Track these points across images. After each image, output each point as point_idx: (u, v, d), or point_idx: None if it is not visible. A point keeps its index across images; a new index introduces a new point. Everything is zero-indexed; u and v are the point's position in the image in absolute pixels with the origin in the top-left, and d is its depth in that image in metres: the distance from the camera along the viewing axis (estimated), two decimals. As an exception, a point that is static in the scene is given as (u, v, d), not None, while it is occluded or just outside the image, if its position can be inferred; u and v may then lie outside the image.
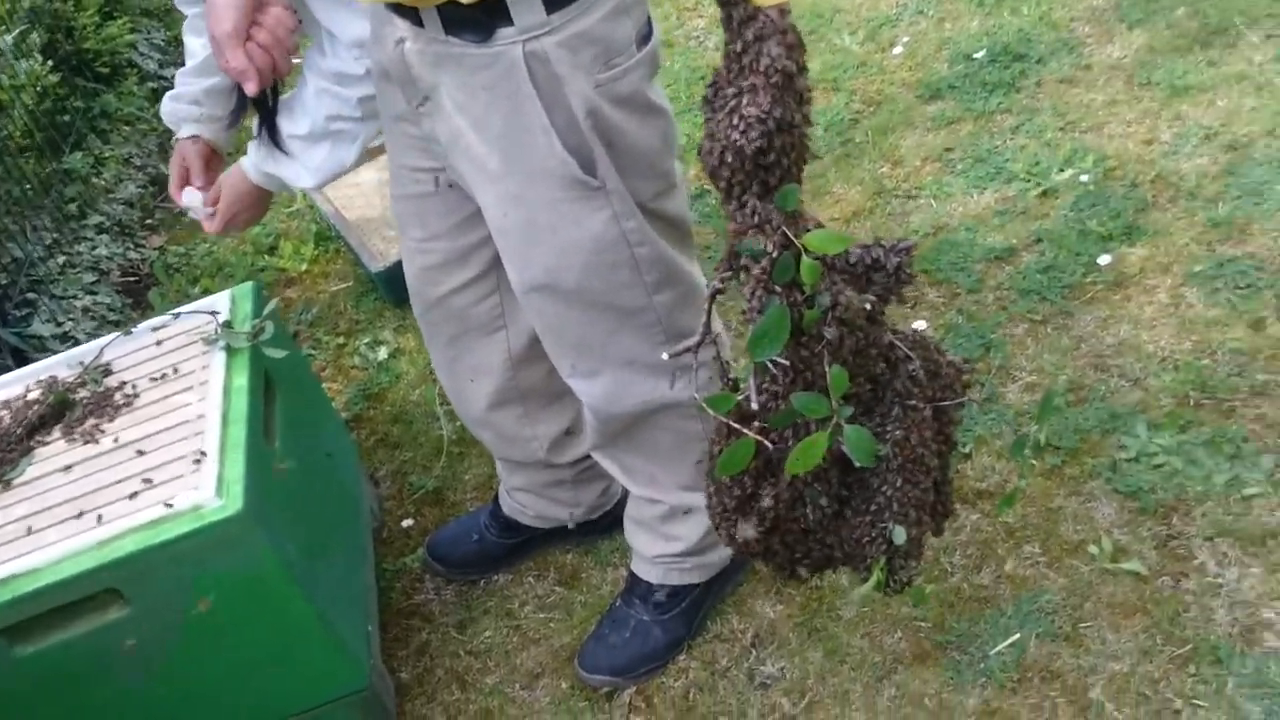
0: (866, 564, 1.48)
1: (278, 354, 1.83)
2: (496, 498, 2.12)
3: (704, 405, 1.29)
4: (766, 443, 1.34)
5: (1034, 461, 2.03)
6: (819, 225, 1.33)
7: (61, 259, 3.09)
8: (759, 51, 1.23)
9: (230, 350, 1.84)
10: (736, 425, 1.34)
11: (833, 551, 1.51)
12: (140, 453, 1.70)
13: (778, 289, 1.28)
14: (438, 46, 1.45)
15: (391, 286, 2.78)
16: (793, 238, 1.27)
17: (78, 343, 2.79)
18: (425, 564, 2.15)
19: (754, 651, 1.90)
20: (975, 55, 3.02)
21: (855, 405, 1.40)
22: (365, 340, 2.74)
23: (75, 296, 2.97)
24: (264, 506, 1.63)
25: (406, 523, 2.27)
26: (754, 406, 1.34)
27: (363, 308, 2.86)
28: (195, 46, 1.92)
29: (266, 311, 1.89)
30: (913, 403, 1.41)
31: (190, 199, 2.01)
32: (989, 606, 1.86)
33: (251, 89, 1.63)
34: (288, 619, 1.68)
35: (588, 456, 1.92)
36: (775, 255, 1.27)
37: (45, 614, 1.58)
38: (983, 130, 2.80)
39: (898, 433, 1.40)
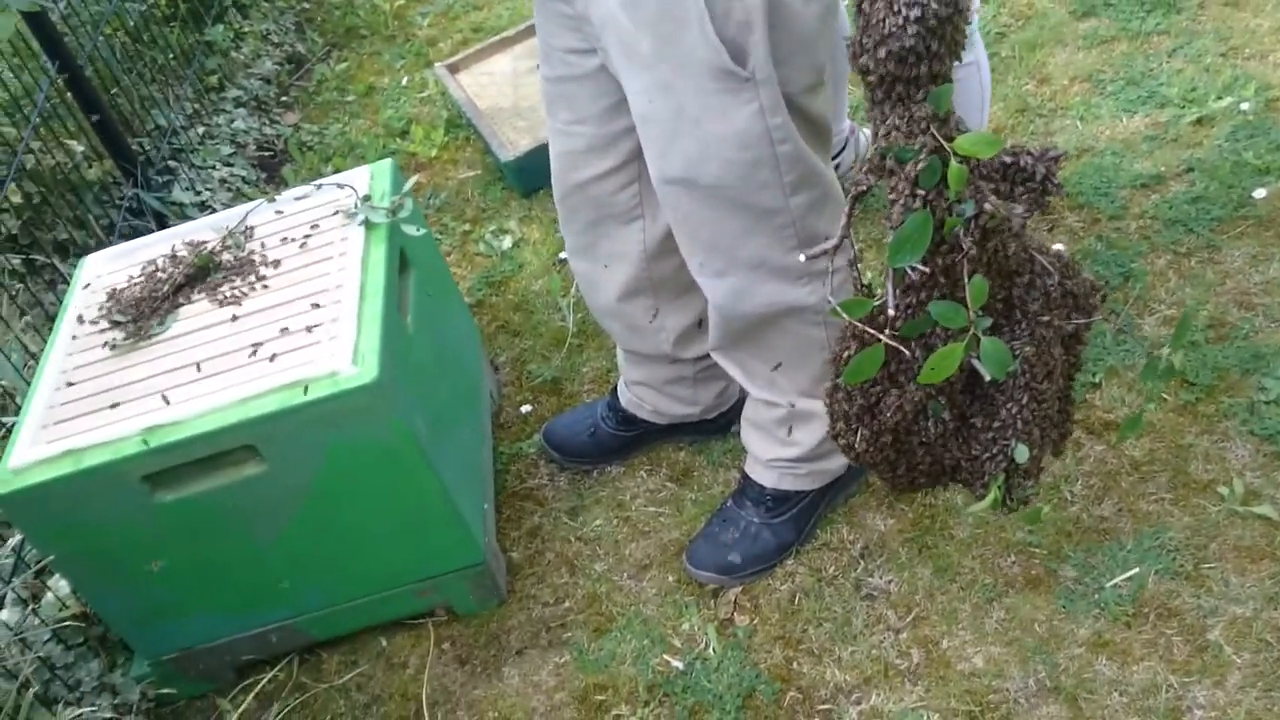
0: (984, 480, 1.47)
1: (415, 231, 1.86)
2: (615, 390, 2.14)
3: (838, 309, 1.27)
4: (904, 348, 1.33)
5: (1165, 395, 1.98)
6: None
7: (201, 130, 3.16)
8: None
9: (369, 225, 1.86)
10: (871, 331, 1.33)
11: (952, 466, 1.50)
12: (280, 317, 1.75)
13: (921, 193, 1.25)
14: None
15: (520, 176, 2.78)
16: (942, 141, 1.23)
17: (215, 211, 2.87)
18: (541, 450, 2.18)
19: (862, 563, 1.90)
20: (1137, -28, 2.88)
21: (992, 307, 1.37)
22: (491, 228, 2.77)
23: (213, 167, 3.04)
24: (396, 378, 1.67)
25: (525, 408, 2.30)
26: (890, 313, 1.32)
27: (490, 196, 2.87)
28: None
29: (405, 189, 1.91)
30: (1046, 318, 1.38)
31: None
32: (1108, 538, 1.82)
33: None
34: (412, 489, 1.73)
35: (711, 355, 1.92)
36: (924, 159, 1.24)
37: (186, 465, 1.64)
38: (1137, 51, 2.68)
39: (1028, 349, 1.37)
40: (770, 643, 1.83)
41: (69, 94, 2.68)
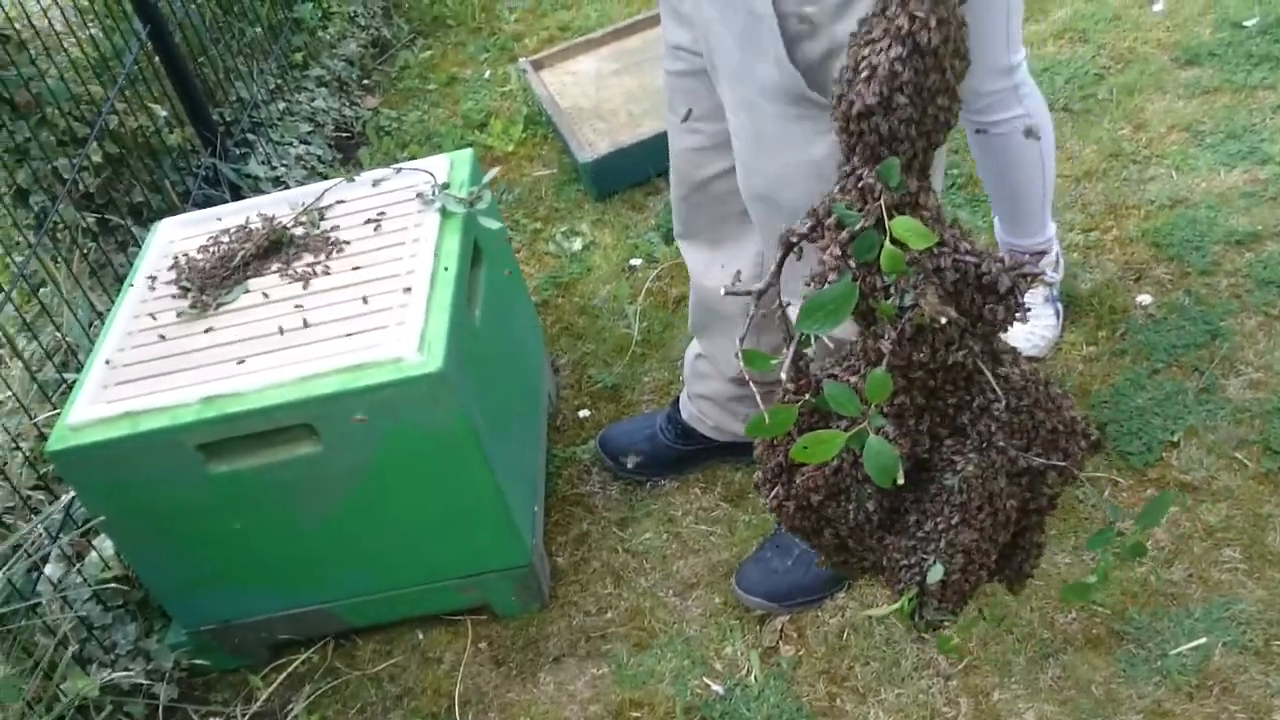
0: (898, 588, 1.37)
1: (492, 224, 1.83)
2: (676, 402, 2.10)
3: (741, 357, 1.18)
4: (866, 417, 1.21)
5: (1246, 461, 1.90)
6: (943, 222, 1.21)
7: (281, 105, 3.16)
8: (897, 3, 1.12)
9: (445, 213, 1.84)
10: (789, 389, 1.24)
11: (867, 558, 1.41)
12: (349, 298, 1.73)
13: (853, 265, 1.18)
14: None
15: (596, 179, 2.76)
16: (886, 219, 1.16)
17: (288, 188, 2.87)
18: (596, 456, 2.15)
19: (919, 612, 1.84)
20: (1245, 23, 2.80)
21: (931, 419, 1.27)
22: (562, 229, 2.74)
23: (290, 144, 3.04)
24: (460, 370, 1.64)
25: (583, 413, 2.26)
26: (781, 376, 1.24)
27: (563, 196, 2.85)
28: None
29: (485, 181, 1.89)
30: (1000, 444, 1.29)
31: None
32: (1175, 604, 1.76)
33: None
34: (466, 483, 1.70)
35: (781, 379, 1.88)
36: (859, 229, 1.17)
37: (241, 437, 1.63)
38: (1241, 105, 2.60)
39: (969, 468, 1.27)
40: (814, 676, 1.78)
41: (156, 58, 2.69)
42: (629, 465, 2.08)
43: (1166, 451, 1.95)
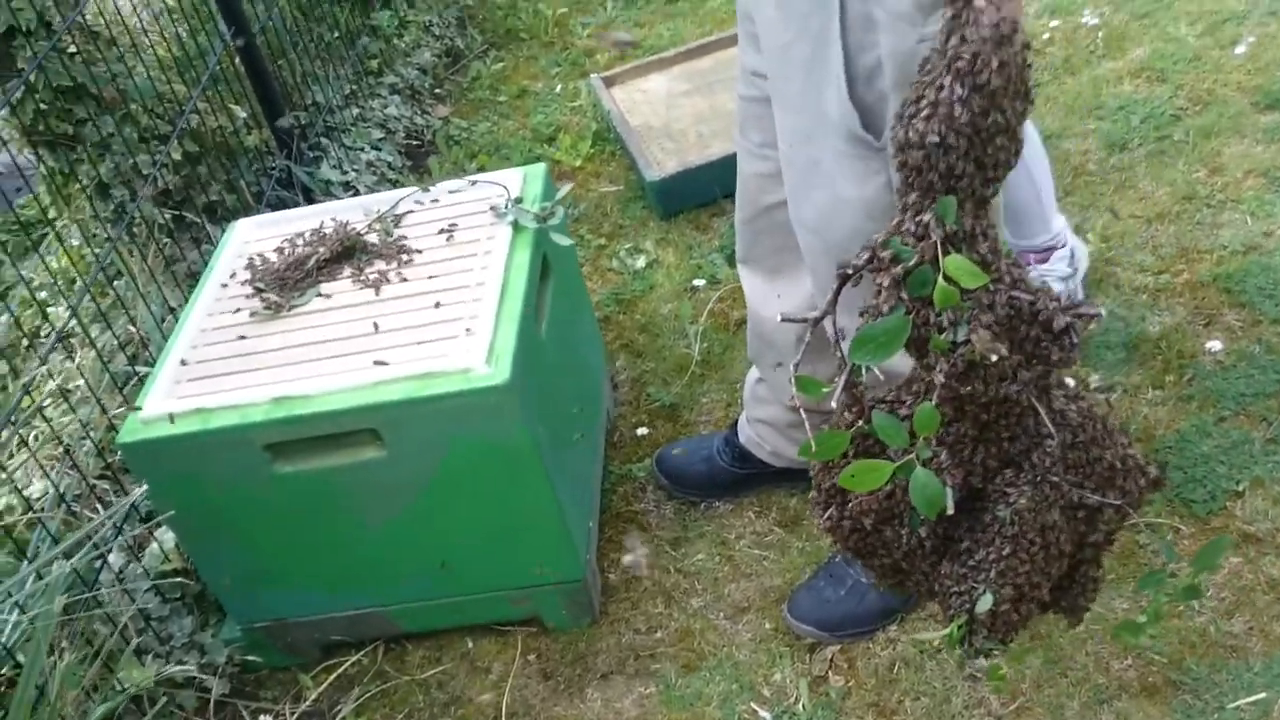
0: (950, 614, 1.36)
1: (564, 241, 1.85)
2: (735, 425, 2.10)
3: (794, 383, 1.20)
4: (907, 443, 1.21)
5: (1314, 516, 1.87)
6: (997, 261, 1.20)
7: (355, 111, 3.21)
8: (960, 36, 1.13)
9: (517, 226, 1.86)
10: (849, 414, 1.26)
11: (920, 582, 1.40)
12: (420, 306, 1.75)
13: (905, 299, 1.18)
14: None
15: (662, 197, 2.77)
16: (941, 256, 1.16)
17: (358, 192, 2.91)
18: (652, 475, 2.15)
19: (969, 640, 1.82)
20: (1328, 71, 2.76)
21: (985, 450, 1.27)
22: (626, 246, 2.75)
23: (361, 149, 3.09)
24: (527, 382, 1.66)
25: (640, 431, 2.27)
26: (832, 404, 1.24)
27: (629, 214, 2.86)
28: None
29: (559, 196, 1.91)
30: (1055, 479, 1.28)
31: None
32: (1235, 656, 1.73)
33: None
34: (526, 496, 1.71)
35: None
36: (914, 264, 1.17)
37: (308, 440, 1.65)
38: (1321, 153, 2.56)
39: (1022, 501, 1.26)
40: (863, 708, 1.76)
41: (237, 60, 2.74)
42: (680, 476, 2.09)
43: (1230, 501, 1.92)
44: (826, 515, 1.33)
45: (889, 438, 1.18)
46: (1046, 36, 3.09)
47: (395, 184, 3.08)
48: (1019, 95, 1.16)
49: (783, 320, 1.33)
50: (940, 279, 1.14)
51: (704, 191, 2.77)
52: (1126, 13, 3.10)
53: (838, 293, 1.22)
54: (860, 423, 1.27)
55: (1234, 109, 2.72)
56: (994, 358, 1.17)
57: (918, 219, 1.18)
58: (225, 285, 1.88)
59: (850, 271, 1.21)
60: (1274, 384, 2.09)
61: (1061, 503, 1.30)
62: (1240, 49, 2.89)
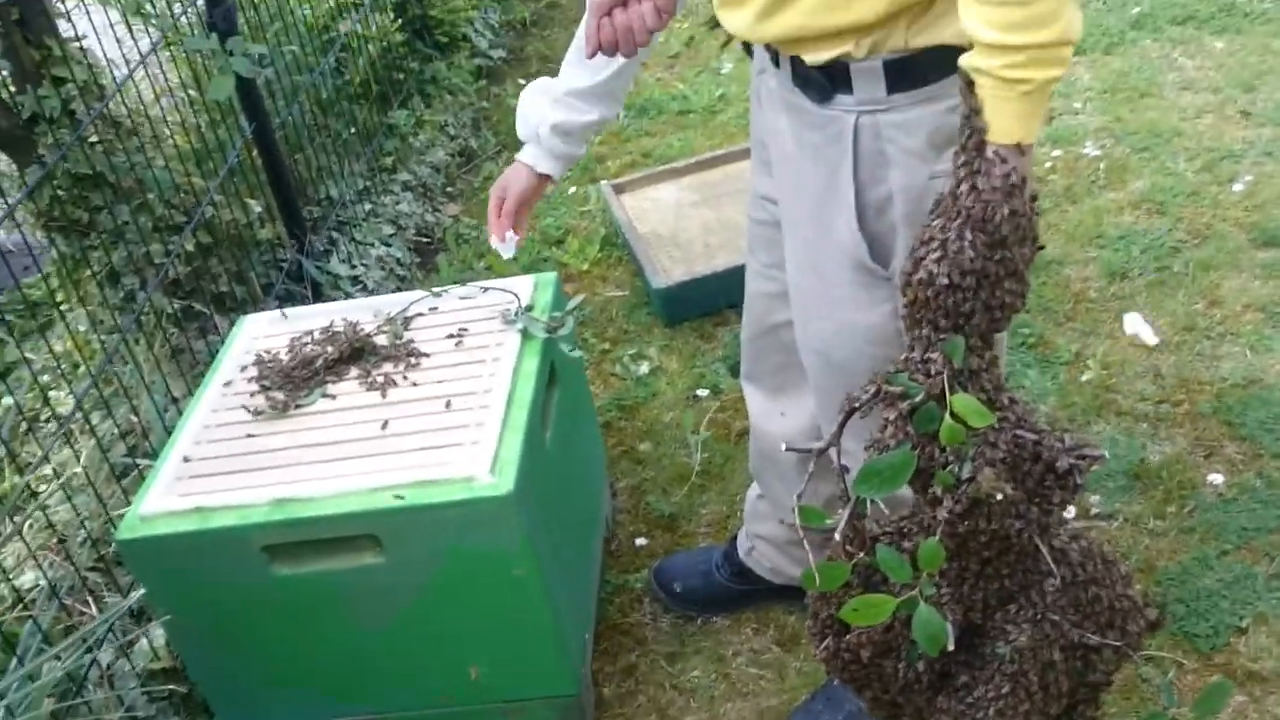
0: None
1: (572, 352, 1.86)
2: (734, 540, 2.09)
3: (798, 513, 1.21)
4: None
5: (1316, 658, 1.86)
6: (1001, 398, 1.22)
7: (368, 206, 3.24)
8: (971, 185, 1.16)
9: (526, 334, 1.87)
10: (851, 545, 1.26)
11: (916, 716, 1.38)
12: (426, 411, 1.75)
13: (911, 434, 1.20)
14: (785, 92, 1.46)
15: (668, 305, 2.79)
16: (948, 394, 1.18)
17: (367, 287, 2.93)
18: (648, 587, 2.14)
19: (966, 772, 1.79)
20: (1326, 209, 2.81)
21: (985, 586, 1.28)
22: (630, 351, 2.76)
23: (372, 244, 3.12)
24: (530, 493, 1.65)
25: (639, 541, 2.26)
26: (837, 537, 1.25)
27: (634, 319, 2.88)
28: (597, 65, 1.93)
29: (569, 308, 1.92)
30: (1055, 617, 1.29)
31: (510, 248, 1.85)
32: (1237, 801, 1.70)
33: (587, 53, 1.57)
34: (522, 608, 1.70)
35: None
36: (920, 401, 1.18)
37: (308, 542, 1.64)
38: (1319, 290, 2.60)
39: (1022, 639, 1.27)
40: (858, 840, 1.73)
41: (255, 152, 2.78)
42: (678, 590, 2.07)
43: (1234, 637, 1.91)
44: (824, 645, 1.32)
45: (893, 573, 1.18)
46: (1049, 165, 3.15)
47: (404, 280, 3.11)
48: (1027, 242, 1.18)
49: (787, 450, 1.34)
50: (947, 416, 1.15)
51: (709, 301, 2.80)
52: (1127, 145, 3.17)
53: (843, 425, 1.23)
54: (862, 555, 1.27)
55: (1232, 244, 2.76)
56: (999, 496, 1.17)
57: (925, 356, 1.20)
58: (230, 383, 1.88)
59: (856, 406, 1.22)
60: (1276, 519, 2.08)
61: (1061, 641, 1.29)
62: (1238, 186, 2.94)
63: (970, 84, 1.17)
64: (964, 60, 1.17)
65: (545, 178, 1.83)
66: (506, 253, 1.83)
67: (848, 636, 1.33)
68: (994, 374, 1.23)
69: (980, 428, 1.17)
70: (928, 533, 1.23)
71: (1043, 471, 1.23)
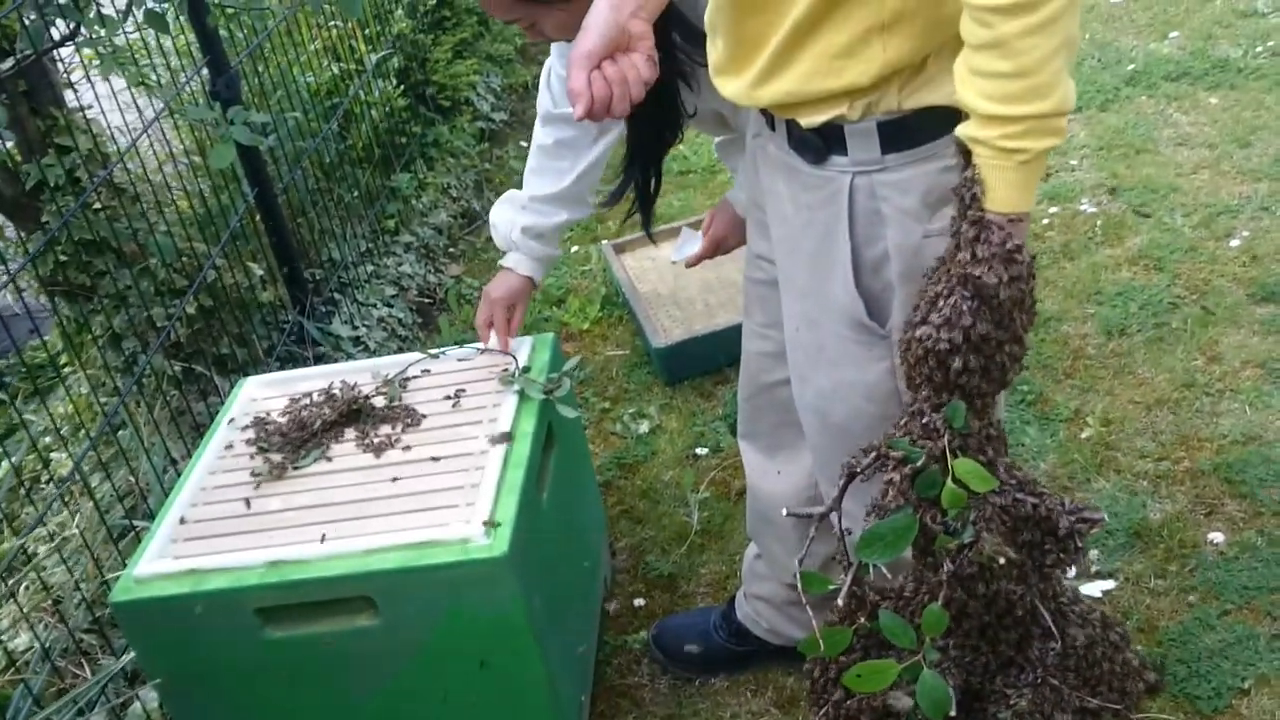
0: None
1: (570, 413, 1.87)
2: (733, 601, 2.08)
3: (800, 579, 1.21)
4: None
5: (1322, 718, 1.83)
6: (1002, 455, 1.22)
7: (370, 268, 3.27)
8: (970, 252, 1.17)
9: (523, 396, 1.88)
10: (848, 611, 1.26)
11: None
12: (422, 473, 1.75)
13: (912, 498, 1.20)
14: (781, 154, 1.48)
15: (668, 364, 2.80)
16: (949, 458, 1.18)
17: (368, 348, 2.95)
18: (646, 648, 2.12)
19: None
20: (1323, 265, 2.82)
21: (986, 651, 1.28)
22: (630, 410, 2.77)
23: (374, 305, 3.14)
24: (526, 554, 1.65)
25: (638, 601, 2.25)
26: (839, 602, 1.25)
27: (634, 378, 2.89)
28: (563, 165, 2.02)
29: (566, 369, 1.93)
30: (1055, 680, 1.28)
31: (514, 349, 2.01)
32: None
33: (578, 113, 1.54)
34: (518, 670, 1.68)
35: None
36: (920, 466, 1.19)
37: (302, 604, 1.63)
38: (1317, 346, 2.60)
39: (1023, 703, 1.27)
40: None
41: (258, 216, 2.82)
42: (676, 651, 2.06)
43: (1236, 699, 1.89)
44: (822, 712, 1.32)
45: (897, 638, 1.17)
46: (1046, 222, 3.17)
47: (405, 340, 3.13)
48: (1027, 306, 1.19)
49: (788, 515, 1.34)
50: (949, 481, 1.16)
51: (709, 360, 2.81)
52: (1123, 202, 3.19)
53: (844, 490, 1.23)
54: (863, 619, 1.26)
55: (1230, 300, 2.77)
56: (1002, 560, 1.17)
57: (925, 421, 1.20)
58: (229, 445, 1.89)
59: (857, 471, 1.23)
60: (1278, 578, 2.07)
61: (1062, 705, 1.28)
62: (1235, 241, 2.96)
63: (967, 153, 1.18)
64: (961, 130, 1.19)
65: (528, 280, 1.92)
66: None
67: (847, 701, 1.32)
68: (994, 437, 1.24)
69: (982, 491, 1.18)
70: (928, 597, 1.23)
71: (1042, 535, 1.23)
